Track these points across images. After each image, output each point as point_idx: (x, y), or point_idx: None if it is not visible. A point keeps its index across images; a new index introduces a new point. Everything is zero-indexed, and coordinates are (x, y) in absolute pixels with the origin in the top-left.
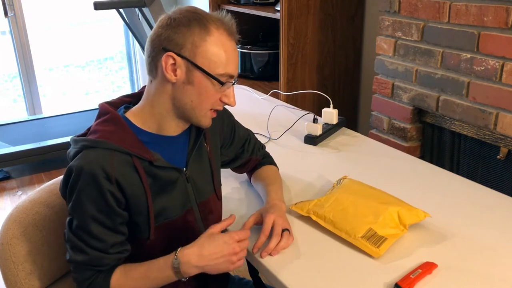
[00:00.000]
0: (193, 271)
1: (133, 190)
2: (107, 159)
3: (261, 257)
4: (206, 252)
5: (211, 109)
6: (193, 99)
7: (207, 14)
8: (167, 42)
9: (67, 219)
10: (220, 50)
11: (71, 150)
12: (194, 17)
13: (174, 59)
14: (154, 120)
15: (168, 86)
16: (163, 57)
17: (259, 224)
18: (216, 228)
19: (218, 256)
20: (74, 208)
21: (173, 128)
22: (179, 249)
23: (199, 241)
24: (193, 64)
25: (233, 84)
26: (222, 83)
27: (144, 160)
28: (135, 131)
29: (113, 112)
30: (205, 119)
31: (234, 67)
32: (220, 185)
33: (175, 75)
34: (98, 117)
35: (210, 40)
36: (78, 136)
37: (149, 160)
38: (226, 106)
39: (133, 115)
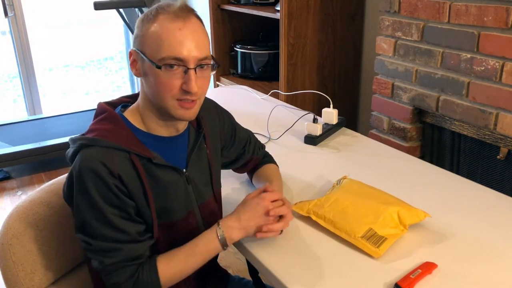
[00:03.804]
0: (237, 235)
1: (134, 187)
2: (107, 156)
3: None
4: (243, 216)
5: (178, 100)
6: (153, 91)
7: (165, 4)
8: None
9: (80, 230)
10: (159, 34)
11: (70, 150)
12: (151, 9)
13: (132, 54)
14: (142, 119)
15: (141, 83)
16: (129, 54)
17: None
18: (250, 195)
19: (255, 216)
20: (89, 211)
21: (158, 127)
22: (220, 220)
23: (236, 209)
24: (141, 54)
25: (194, 68)
26: (158, 67)
27: (143, 157)
28: (133, 130)
29: (110, 111)
30: (177, 111)
31: (179, 49)
32: (220, 187)
33: (136, 69)
34: (96, 116)
35: (152, 27)
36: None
37: (148, 158)
38: (227, 107)
39: (129, 114)
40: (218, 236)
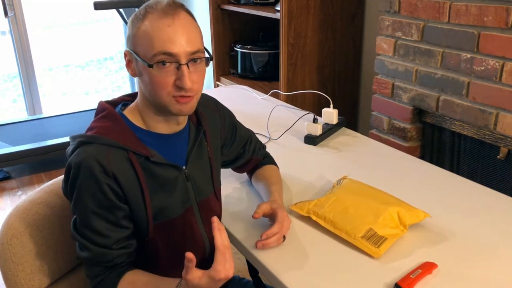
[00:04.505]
0: None
1: (130, 186)
2: (103, 154)
3: (257, 247)
4: None
5: (173, 97)
6: (149, 89)
7: (154, 2)
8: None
9: (73, 218)
10: (149, 33)
11: (69, 147)
12: (141, 9)
13: (127, 54)
14: (141, 117)
15: (138, 82)
16: (124, 55)
17: (265, 215)
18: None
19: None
20: (76, 204)
21: (158, 124)
22: (182, 281)
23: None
24: (134, 54)
25: (186, 64)
26: (150, 66)
27: (141, 155)
28: (132, 128)
29: (110, 109)
30: (174, 106)
31: (170, 45)
32: (220, 184)
33: (132, 69)
34: (96, 114)
35: (142, 26)
36: None
37: (146, 156)
38: (227, 105)
39: (129, 112)
40: None
